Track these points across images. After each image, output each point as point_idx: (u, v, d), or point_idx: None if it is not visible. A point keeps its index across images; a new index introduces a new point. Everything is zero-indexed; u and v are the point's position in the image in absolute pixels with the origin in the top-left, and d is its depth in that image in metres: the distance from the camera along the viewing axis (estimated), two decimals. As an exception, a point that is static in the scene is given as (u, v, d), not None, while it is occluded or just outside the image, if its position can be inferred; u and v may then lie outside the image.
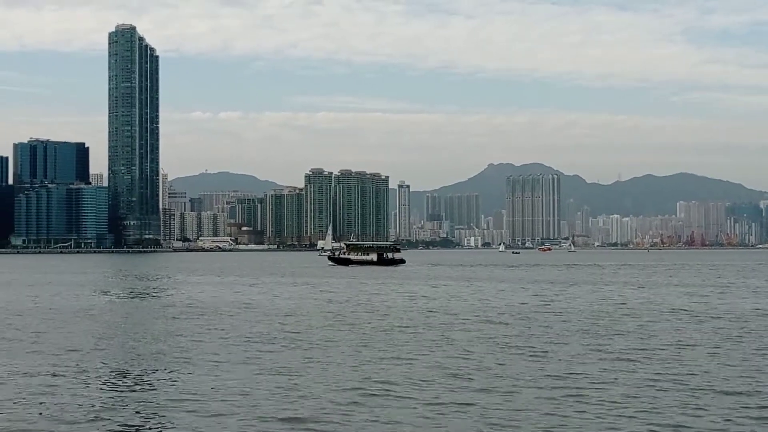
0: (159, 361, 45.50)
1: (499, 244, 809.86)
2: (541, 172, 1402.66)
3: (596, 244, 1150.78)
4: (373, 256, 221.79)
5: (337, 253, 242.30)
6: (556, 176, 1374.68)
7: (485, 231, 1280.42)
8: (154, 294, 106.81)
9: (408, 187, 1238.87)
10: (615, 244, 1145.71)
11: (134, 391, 36.98)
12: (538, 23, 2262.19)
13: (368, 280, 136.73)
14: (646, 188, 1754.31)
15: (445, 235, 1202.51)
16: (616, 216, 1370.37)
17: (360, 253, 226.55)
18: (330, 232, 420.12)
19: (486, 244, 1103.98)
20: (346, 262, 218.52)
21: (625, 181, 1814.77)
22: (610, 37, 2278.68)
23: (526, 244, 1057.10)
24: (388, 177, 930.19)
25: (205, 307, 79.80)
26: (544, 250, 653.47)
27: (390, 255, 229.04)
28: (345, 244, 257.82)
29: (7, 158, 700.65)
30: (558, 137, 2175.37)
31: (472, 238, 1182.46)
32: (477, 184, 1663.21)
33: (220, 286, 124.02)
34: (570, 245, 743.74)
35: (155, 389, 37.23)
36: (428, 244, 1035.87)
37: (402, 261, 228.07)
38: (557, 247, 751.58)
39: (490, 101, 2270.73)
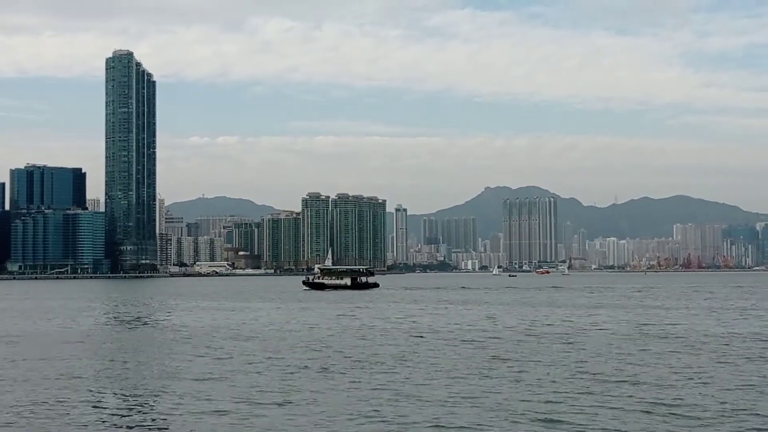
0: (147, 386, 45.95)
1: (489, 267, 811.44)
2: (538, 195, 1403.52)
3: (593, 266, 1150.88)
4: (347, 281, 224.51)
5: (311, 278, 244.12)
6: (552, 199, 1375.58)
7: (482, 254, 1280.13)
8: (145, 320, 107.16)
9: (405, 210, 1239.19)
10: (612, 267, 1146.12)
11: (125, 416, 37.41)
12: (537, 47, 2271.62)
13: (335, 304, 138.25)
14: (643, 211, 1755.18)
15: (442, 259, 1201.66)
16: (612, 239, 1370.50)
17: (334, 278, 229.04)
18: (329, 256, 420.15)
19: (483, 268, 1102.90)
20: (321, 287, 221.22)
21: (622, 204, 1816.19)
22: (609, 61, 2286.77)
23: (524, 267, 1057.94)
24: (385, 201, 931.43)
25: (191, 333, 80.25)
26: (542, 273, 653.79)
27: (363, 279, 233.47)
28: (319, 268, 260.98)
29: (3, 184, 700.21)
30: (555, 160, 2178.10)
31: (470, 262, 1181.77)
32: (474, 208, 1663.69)
33: (206, 311, 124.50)
34: (564, 269, 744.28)
35: (140, 414, 37.65)
36: (425, 268, 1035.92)
37: (376, 285, 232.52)
38: (555, 270, 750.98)
39: (488, 125, 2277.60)
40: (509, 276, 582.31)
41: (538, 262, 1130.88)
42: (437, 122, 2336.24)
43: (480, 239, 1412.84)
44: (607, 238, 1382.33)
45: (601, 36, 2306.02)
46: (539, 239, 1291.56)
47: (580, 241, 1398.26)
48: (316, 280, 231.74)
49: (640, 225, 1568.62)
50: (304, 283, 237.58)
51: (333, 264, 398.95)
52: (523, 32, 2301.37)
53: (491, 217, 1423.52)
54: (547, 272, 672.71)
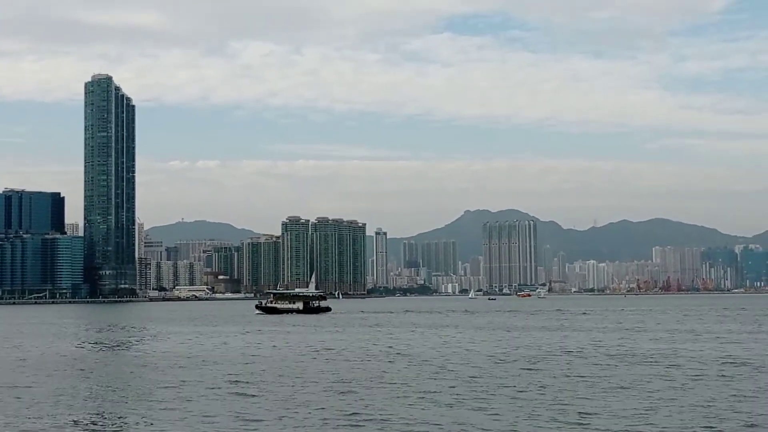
0: (122, 409, 46.08)
1: (469, 290, 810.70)
2: (518, 218, 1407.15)
3: (573, 289, 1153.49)
4: (299, 305, 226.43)
5: (264, 302, 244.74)
6: (532, 222, 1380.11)
7: (462, 277, 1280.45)
8: (117, 345, 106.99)
9: (385, 234, 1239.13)
10: (592, 290, 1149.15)
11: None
12: (515, 70, 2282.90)
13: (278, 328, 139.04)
14: (622, 234, 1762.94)
15: (422, 282, 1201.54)
16: (592, 262, 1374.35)
17: (286, 302, 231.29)
18: (313, 280, 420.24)
19: (464, 291, 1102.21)
20: (273, 311, 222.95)
21: (601, 227, 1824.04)
22: (586, 84, 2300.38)
23: (504, 290, 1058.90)
24: (365, 224, 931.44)
25: (155, 359, 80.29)
26: (524, 296, 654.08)
27: (316, 303, 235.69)
28: (271, 293, 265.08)
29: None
30: (534, 183, 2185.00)
31: (450, 285, 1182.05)
32: (454, 231, 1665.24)
33: (175, 336, 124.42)
34: (539, 291, 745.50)
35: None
36: (405, 291, 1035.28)
37: (328, 309, 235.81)
38: (534, 293, 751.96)
39: (467, 148, 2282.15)
40: (489, 299, 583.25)
41: (519, 285, 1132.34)
42: (417, 146, 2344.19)
43: (460, 262, 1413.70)
44: (587, 261, 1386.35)
45: (579, 60, 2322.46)
46: (519, 262, 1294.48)
47: (560, 264, 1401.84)
48: (269, 305, 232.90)
49: (620, 248, 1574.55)
50: (257, 307, 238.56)
51: (316, 288, 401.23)
52: (502, 56, 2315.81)
53: (471, 241, 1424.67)
54: (529, 295, 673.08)
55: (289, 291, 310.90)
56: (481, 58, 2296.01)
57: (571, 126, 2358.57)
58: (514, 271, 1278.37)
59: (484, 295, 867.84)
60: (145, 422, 43.05)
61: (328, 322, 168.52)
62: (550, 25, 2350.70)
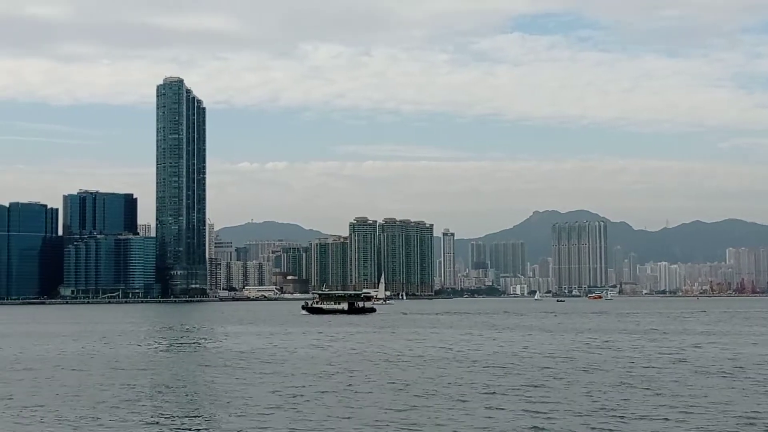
0: (196, 408, 46.83)
1: (534, 292, 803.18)
2: (587, 219, 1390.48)
3: (644, 291, 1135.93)
4: (344, 305, 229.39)
5: (310, 302, 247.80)
6: (602, 223, 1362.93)
7: (531, 279, 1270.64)
8: (194, 344, 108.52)
9: (453, 235, 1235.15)
10: (663, 292, 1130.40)
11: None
12: (585, 70, 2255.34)
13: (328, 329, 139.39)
14: (695, 234, 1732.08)
15: (490, 283, 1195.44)
16: (664, 263, 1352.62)
17: (332, 303, 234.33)
18: (383, 281, 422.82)
19: (532, 292, 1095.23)
20: (319, 311, 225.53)
21: (673, 228, 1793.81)
22: (658, 83, 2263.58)
23: (573, 292, 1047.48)
24: (432, 225, 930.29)
25: (235, 357, 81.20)
26: (594, 298, 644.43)
27: (360, 304, 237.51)
28: (318, 293, 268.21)
29: (57, 209, 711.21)
30: (605, 184, 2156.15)
31: (518, 286, 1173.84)
32: (522, 232, 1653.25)
33: (251, 335, 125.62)
34: (608, 293, 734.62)
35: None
36: (473, 293, 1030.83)
37: (372, 310, 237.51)
38: (606, 294, 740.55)
39: (537, 148, 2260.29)
40: (557, 301, 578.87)
41: (588, 286, 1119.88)
42: (485, 146, 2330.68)
43: (528, 264, 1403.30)
44: (659, 263, 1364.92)
45: (651, 58, 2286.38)
46: (589, 264, 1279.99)
47: (631, 265, 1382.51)
48: (315, 305, 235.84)
49: (692, 249, 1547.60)
50: (303, 307, 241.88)
51: (385, 288, 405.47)
52: (572, 56, 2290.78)
53: (540, 242, 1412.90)
54: (599, 297, 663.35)
55: (334, 292, 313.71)
56: (551, 57, 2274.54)
57: (643, 125, 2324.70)
58: (583, 273, 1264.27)
59: (552, 296, 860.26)
60: (211, 419, 43.75)
61: (370, 323, 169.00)
62: (621, 24, 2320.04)
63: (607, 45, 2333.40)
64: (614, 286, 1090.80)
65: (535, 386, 56.92)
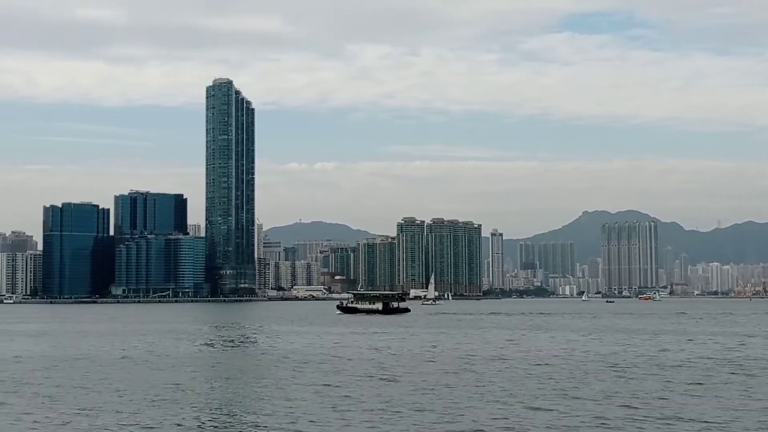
0: (240, 406, 46.86)
1: (582, 293, 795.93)
2: (638, 220, 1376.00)
3: (696, 292, 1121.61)
4: (379, 305, 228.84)
5: (345, 302, 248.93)
6: (653, 223, 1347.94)
7: (580, 279, 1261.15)
8: (241, 343, 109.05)
9: (501, 235, 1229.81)
10: (715, 293, 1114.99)
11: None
12: (636, 69, 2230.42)
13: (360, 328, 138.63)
14: (747, 235, 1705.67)
15: (539, 284, 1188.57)
16: (716, 264, 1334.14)
17: (366, 302, 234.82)
18: (432, 281, 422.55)
19: (581, 293, 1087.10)
20: (354, 311, 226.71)
21: (725, 228, 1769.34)
22: (710, 82, 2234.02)
23: (623, 293, 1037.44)
24: (480, 225, 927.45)
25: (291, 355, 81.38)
26: (645, 299, 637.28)
27: (395, 304, 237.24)
28: (352, 293, 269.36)
29: (108, 210, 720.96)
30: (655, 184, 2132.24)
31: (567, 287, 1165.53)
32: (571, 232, 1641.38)
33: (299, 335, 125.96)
34: (657, 294, 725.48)
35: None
36: (522, 293, 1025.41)
37: (407, 310, 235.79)
38: (655, 295, 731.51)
39: (586, 148, 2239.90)
40: (606, 302, 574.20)
41: (639, 287, 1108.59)
42: (534, 146, 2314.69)
43: (578, 264, 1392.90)
44: (710, 263, 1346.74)
45: (702, 57, 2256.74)
46: (639, 264, 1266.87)
47: (682, 266, 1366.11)
48: (350, 305, 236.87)
49: (745, 249, 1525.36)
50: (338, 307, 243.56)
51: (435, 289, 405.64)
52: (623, 54, 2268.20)
53: (590, 242, 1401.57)
54: (650, 298, 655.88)
55: (369, 292, 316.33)
56: (601, 57, 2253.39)
57: (694, 125, 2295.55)
58: (633, 274, 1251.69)
59: (602, 297, 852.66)
60: (259, 416, 43.76)
61: (403, 323, 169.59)
62: (672, 23, 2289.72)
63: (658, 44, 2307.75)
64: (665, 287, 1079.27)
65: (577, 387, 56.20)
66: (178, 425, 42.58)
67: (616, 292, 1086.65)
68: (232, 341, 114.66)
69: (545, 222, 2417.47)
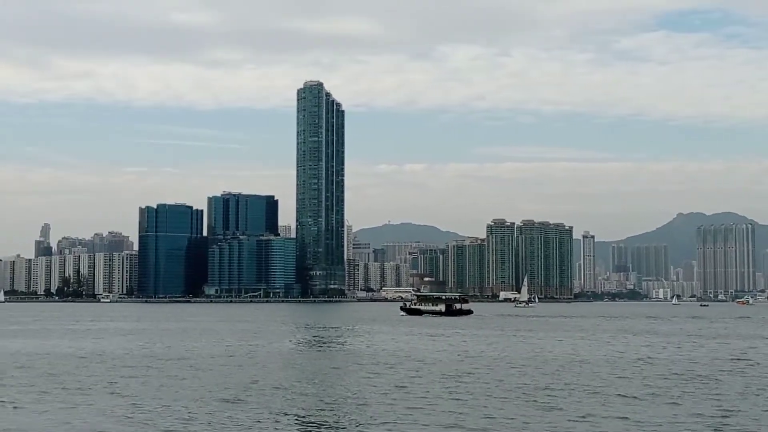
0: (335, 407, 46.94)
1: (677, 296, 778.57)
2: (734, 222, 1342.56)
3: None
4: (442, 307, 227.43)
5: (408, 304, 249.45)
6: (750, 225, 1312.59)
7: (675, 283, 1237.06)
8: (332, 343, 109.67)
9: (593, 237, 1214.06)
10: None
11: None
12: (734, 68, 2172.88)
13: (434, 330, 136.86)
14: None
15: (632, 287, 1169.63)
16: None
17: (429, 304, 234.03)
18: (526, 283, 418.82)
19: (677, 296, 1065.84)
20: (417, 312, 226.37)
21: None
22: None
23: (719, 297, 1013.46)
24: (572, 227, 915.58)
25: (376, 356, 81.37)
26: (742, 303, 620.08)
27: (458, 306, 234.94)
28: (415, 295, 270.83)
29: (202, 211, 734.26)
30: (753, 185, 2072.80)
31: (661, 290, 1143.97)
32: (666, 235, 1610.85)
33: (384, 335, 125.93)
34: (752, 297, 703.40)
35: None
36: (614, 296, 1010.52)
37: (470, 312, 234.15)
38: (753, 299, 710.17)
39: (681, 148, 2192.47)
40: (701, 305, 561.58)
41: (735, 291, 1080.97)
42: (627, 146, 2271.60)
43: (672, 267, 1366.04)
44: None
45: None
46: (736, 267, 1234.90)
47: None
48: (413, 306, 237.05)
49: None
50: (401, 309, 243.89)
51: (528, 291, 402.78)
52: (720, 53, 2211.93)
53: (684, 245, 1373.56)
54: (745, 303, 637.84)
55: (432, 293, 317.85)
56: (698, 56, 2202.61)
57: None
58: (730, 277, 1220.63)
59: (696, 301, 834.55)
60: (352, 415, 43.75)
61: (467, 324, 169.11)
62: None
63: (757, 42, 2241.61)
64: (762, 291, 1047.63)
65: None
66: (258, 422, 42.87)
67: (711, 295, 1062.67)
68: (321, 341, 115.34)
69: (638, 224, 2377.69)
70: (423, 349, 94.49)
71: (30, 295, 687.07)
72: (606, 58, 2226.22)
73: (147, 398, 51.56)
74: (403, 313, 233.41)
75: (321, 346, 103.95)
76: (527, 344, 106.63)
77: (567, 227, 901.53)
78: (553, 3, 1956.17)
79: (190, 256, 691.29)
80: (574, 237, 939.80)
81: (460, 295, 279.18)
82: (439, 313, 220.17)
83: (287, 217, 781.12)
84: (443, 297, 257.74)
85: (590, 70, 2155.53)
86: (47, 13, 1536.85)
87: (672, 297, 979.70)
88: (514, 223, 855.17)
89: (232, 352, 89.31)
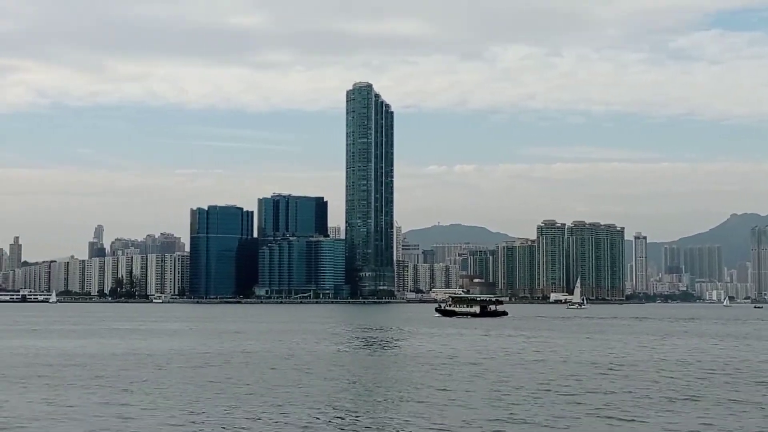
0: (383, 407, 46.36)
1: (732, 297, 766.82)
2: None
3: None
4: (476, 309, 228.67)
5: (443, 305, 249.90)
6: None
7: (728, 284, 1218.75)
8: (382, 344, 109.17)
9: (645, 238, 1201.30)
10: None
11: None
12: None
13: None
14: None
15: (685, 289, 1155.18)
16: None
17: (464, 306, 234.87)
18: (578, 285, 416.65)
19: (730, 298, 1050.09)
20: (452, 314, 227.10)
21: None
22: None
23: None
24: (623, 228, 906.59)
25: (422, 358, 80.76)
26: None
27: (493, 307, 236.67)
28: (450, 296, 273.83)
29: (252, 212, 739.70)
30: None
31: (714, 292, 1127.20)
32: (719, 236, 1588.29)
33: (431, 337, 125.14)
34: None
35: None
36: (667, 298, 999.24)
37: (504, 313, 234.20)
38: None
39: (735, 148, 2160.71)
40: (754, 307, 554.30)
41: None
42: (679, 147, 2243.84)
43: (726, 269, 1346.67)
44: None
45: None
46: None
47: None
48: (448, 308, 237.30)
49: None
50: (436, 310, 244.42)
51: (581, 293, 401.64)
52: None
53: (738, 246, 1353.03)
54: None
55: (467, 295, 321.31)
56: (752, 54, 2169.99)
57: None
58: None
59: (751, 303, 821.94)
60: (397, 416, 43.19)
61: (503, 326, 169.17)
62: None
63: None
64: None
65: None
66: (303, 424, 42.45)
67: (766, 297, 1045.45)
68: (372, 342, 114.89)
69: (691, 225, 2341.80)
70: (488, 349, 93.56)
71: (83, 296, 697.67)
72: (659, 57, 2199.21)
73: (193, 396, 51.35)
74: (438, 314, 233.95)
75: (366, 348, 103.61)
76: (606, 347, 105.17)
77: (618, 228, 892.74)
78: (608, 3, 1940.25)
79: (240, 257, 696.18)
80: (625, 238, 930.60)
81: (495, 298, 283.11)
82: (474, 315, 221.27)
83: (336, 218, 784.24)
84: (477, 299, 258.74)
85: (641, 70, 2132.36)
86: (104, 16, 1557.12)
87: (725, 299, 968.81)
88: (564, 224, 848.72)
89: (286, 351, 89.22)
